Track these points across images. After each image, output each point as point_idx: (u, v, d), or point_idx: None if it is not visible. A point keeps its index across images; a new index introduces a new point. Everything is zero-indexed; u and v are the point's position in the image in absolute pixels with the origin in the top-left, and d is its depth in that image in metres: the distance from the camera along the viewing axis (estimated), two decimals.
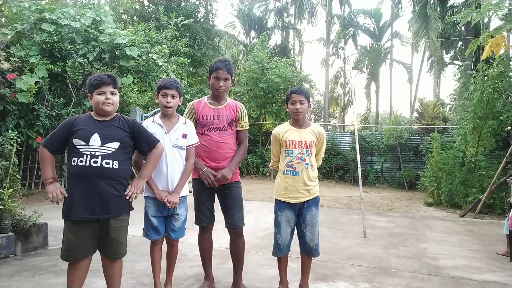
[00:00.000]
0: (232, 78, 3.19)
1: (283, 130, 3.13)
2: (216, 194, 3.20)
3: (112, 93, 2.49)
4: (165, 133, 2.91)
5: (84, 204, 2.35)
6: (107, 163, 2.37)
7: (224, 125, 3.09)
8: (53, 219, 4.53)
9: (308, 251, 3.09)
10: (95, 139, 2.39)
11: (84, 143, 2.38)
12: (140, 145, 2.57)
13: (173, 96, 2.94)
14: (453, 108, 14.01)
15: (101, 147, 2.39)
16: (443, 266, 4.23)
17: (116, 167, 2.40)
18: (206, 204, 3.13)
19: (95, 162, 2.35)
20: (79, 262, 2.43)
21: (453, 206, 8.77)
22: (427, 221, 7.14)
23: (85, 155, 2.36)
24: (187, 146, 2.96)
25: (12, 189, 4.24)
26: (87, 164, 2.35)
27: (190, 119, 3.11)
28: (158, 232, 2.95)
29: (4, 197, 4.01)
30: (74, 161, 2.38)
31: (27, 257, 4.00)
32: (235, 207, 3.13)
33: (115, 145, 2.43)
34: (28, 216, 4.23)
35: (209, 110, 3.12)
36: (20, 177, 5.51)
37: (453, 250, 4.95)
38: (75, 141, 2.40)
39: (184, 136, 2.94)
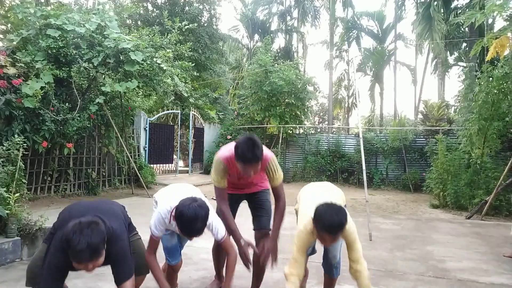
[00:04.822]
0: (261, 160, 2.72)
1: None
2: (240, 203, 3.27)
3: (93, 265, 2.11)
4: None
5: None
6: None
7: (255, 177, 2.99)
8: None
9: (328, 269, 2.98)
10: None
11: None
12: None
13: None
14: (458, 109, 13.96)
15: None
16: (450, 269, 4.20)
17: None
18: None
19: None
20: None
21: (459, 208, 8.70)
22: (433, 223, 7.10)
23: None
24: (219, 241, 2.79)
25: (18, 194, 4.28)
26: None
27: (223, 178, 2.91)
28: (178, 254, 3.04)
29: (10, 201, 4.04)
30: None
31: None
32: (263, 209, 3.17)
33: None
34: (34, 220, 4.25)
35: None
36: (26, 182, 5.57)
37: (459, 253, 4.91)
38: None
39: (214, 234, 2.79)
